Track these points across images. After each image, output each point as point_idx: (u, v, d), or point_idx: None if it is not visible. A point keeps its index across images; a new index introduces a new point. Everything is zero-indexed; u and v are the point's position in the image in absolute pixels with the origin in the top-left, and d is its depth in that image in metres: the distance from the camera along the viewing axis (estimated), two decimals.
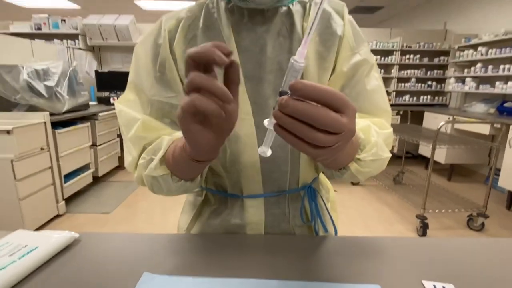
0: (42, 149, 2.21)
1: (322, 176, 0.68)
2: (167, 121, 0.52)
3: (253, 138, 0.52)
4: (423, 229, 2.20)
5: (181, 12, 0.54)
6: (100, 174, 3.10)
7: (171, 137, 0.46)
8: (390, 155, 0.49)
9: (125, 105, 0.53)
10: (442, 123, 2.24)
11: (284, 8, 0.53)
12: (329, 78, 0.55)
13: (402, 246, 0.53)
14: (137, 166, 0.49)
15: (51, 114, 2.33)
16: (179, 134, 0.47)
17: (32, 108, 2.28)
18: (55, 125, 2.42)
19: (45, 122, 2.22)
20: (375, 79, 0.55)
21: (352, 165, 0.45)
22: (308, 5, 0.55)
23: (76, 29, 3.82)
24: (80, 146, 2.71)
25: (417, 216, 2.25)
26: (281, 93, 0.30)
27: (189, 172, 0.44)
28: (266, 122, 0.32)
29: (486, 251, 0.52)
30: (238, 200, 0.58)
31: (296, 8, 0.54)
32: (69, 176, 2.60)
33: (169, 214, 2.52)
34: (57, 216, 2.41)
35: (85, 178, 2.84)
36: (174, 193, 0.48)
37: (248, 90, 0.52)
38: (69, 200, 2.65)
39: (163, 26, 0.53)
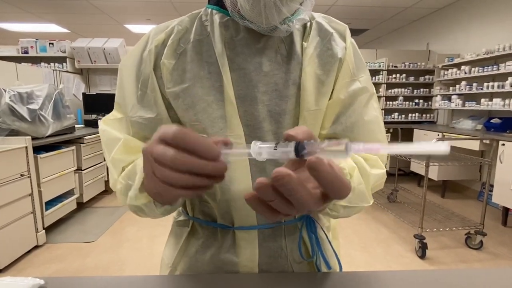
0: (22, 175, 2.09)
1: None
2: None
3: (245, 164, 0.47)
4: (422, 250, 2.13)
5: (171, 25, 0.50)
6: (84, 200, 2.95)
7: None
8: (369, 203, 0.46)
9: (110, 124, 0.49)
10: (434, 141, 2.24)
11: (284, 25, 0.50)
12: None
13: (412, 280, 0.47)
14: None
15: (34, 138, 2.24)
16: None
17: (13, 133, 2.18)
18: (38, 149, 2.32)
19: (26, 147, 2.12)
20: (373, 109, 0.51)
21: None
22: (308, 24, 0.52)
23: (64, 52, 3.79)
24: (64, 171, 2.59)
25: (415, 236, 2.19)
26: (297, 145, 0.25)
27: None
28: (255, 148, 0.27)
29: (492, 281, 0.47)
30: (229, 231, 0.52)
31: (296, 26, 0.51)
32: (51, 203, 2.46)
33: (157, 240, 2.39)
34: (36, 247, 2.25)
35: (69, 204, 2.69)
36: (160, 217, 0.45)
37: (240, 111, 0.47)
38: (50, 229, 2.49)
39: (150, 40, 0.49)
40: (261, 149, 0.26)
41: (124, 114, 0.50)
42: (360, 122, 0.50)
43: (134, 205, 0.42)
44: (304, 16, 0.52)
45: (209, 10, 0.51)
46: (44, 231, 2.32)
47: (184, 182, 0.26)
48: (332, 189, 0.24)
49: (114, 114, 0.51)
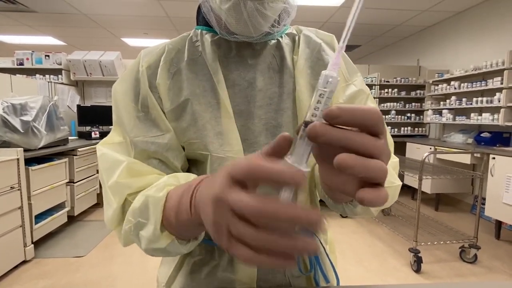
0: (12, 187, 2.04)
1: None
2: (154, 162, 0.47)
3: None
4: (417, 264, 2.12)
5: (161, 46, 0.51)
6: (76, 213, 2.89)
7: (160, 195, 0.37)
8: (401, 183, 0.47)
9: (109, 147, 0.47)
10: (426, 154, 2.27)
11: (274, 41, 0.52)
12: None
13: None
14: (119, 222, 0.42)
15: (26, 150, 2.20)
16: (167, 181, 0.40)
17: (5, 144, 2.15)
18: (30, 161, 2.28)
19: (18, 159, 2.08)
20: None
21: None
22: (297, 37, 0.54)
23: (60, 64, 3.79)
24: (56, 183, 2.55)
25: (410, 250, 2.18)
26: (306, 124, 0.23)
27: (197, 232, 0.39)
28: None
29: None
30: None
31: (285, 41, 0.53)
32: (41, 216, 2.40)
33: (150, 256, 2.33)
34: (24, 262, 2.18)
35: (59, 218, 2.63)
36: (184, 253, 0.41)
37: (237, 127, 0.48)
38: (39, 243, 2.41)
39: (140, 62, 0.50)
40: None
41: (124, 137, 0.48)
42: None
43: (155, 249, 0.37)
44: (291, 30, 0.55)
45: (199, 31, 0.52)
46: (32, 245, 2.25)
47: (272, 245, 0.20)
48: (362, 119, 0.21)
49: (113, 138, 0.48)
